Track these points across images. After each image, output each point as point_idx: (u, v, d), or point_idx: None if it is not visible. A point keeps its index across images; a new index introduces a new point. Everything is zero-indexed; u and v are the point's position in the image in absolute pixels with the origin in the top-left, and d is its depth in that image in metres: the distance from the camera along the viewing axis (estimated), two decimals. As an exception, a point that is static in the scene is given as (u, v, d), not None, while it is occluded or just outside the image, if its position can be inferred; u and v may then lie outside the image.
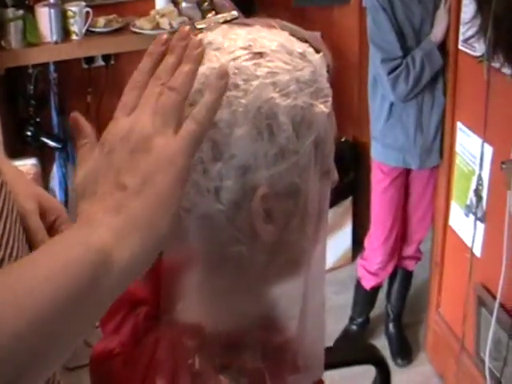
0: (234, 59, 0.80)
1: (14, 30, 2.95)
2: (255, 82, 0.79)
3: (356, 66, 3.64)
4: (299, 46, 0.85)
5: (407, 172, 3.12)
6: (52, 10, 2.98)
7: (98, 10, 3.11)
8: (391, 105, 2.94)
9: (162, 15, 3.20)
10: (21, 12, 2.97)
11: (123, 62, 3.31)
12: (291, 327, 0.89)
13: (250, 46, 0.82)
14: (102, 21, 3.11)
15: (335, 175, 0.93)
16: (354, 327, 3.42)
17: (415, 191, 3.19)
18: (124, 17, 3.22)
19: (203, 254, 0.84)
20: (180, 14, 3.27)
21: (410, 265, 3.36)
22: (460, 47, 2.70)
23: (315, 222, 0.86)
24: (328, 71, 0.88)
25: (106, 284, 0.64)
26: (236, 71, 0.79)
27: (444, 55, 2.82)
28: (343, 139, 3.78)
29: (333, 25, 3.73)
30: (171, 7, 3.29)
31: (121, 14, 3.22)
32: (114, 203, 0.67)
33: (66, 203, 3.28)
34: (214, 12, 0.88)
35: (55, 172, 3.30)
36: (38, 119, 3.15)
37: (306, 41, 0.87)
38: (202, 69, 0.79)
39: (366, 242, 3.31)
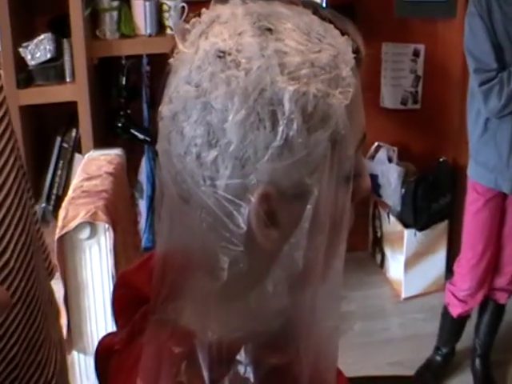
0: (240, 34, 0.71)
1: (108, 21, 3.00)
2: (259, 62, 0.69)
3: (459, 83, 3.47)
4: (320, 26, 0.74)
5: (504, 196, 2.92)
6: (147, 3, 3.01)
7: (195, 6, 3.04)
8: (486, 120, 2.76)
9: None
10: (116, 3, 3.01)
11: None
12: (293, 349, 0.76)
13: (260, 21, 0.72)
14: (197, 17, 3.08)
15: (366, 182, 0.82)
16: (438, 358, 3.23)
17: (510, 219, 2.97)
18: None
19: (198, 251, 0.76)
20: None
21: (501, 297, 3.13)
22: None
23: (330, 233, 0.74)
24: (357, 59, 0.76)
25: None
26: (239, 48, 0.70)
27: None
28: (441, 159, 3.63)
29: (437, 38, 3.61)
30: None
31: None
32: None
33: (152, 197, 3.29)
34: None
35: (144, 165, 3.30)
36: (128, 111, 3.17)
37: (330, 21, 0.76)
38: (205, 45, 0.72)
39: (456, 266, 3.12)
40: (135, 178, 3.28)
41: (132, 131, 3.16)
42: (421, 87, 3.72)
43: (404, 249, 3.59)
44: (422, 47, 3.65)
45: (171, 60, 0.76)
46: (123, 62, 3.10)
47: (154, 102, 3.26)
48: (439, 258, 3.68)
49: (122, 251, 2.39)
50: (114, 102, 3.16)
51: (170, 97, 0.74)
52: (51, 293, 1.35)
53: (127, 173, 2.44)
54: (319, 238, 0.73)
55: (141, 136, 3.17)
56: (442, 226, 3.66)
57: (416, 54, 3.65)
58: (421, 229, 3.57)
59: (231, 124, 0.68)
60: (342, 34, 0.76)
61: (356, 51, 0.76)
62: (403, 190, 3.55)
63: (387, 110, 3.72)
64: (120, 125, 3.14)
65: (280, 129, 0.68)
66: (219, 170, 0.70)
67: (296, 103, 0.69)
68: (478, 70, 2.67)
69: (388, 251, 3.79)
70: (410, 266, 3.62)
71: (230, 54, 0.70)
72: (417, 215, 3.53)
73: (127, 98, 3.15)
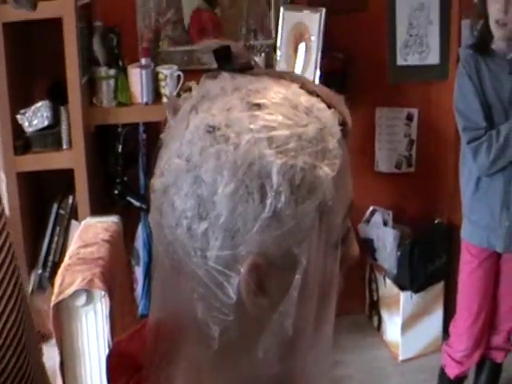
0: (228, 109, 0.74)
1: (105, 89, 3.05)
2: (247, 136, 0.71)
3: (453, 146, 3.51)
4: (307, 100, 0.77)
5: (498, 255, 2.93)
6: (144, 72, 3.06)
7: (191, 74, 3.10)
8: (478, 179, 2.79)
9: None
10: (113, 71, 3.06)
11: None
12: None
13: (249, 96, 0.75)
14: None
15: (355, 250, 0.83)
16: (438, 419, 3.20)
17: (505, 277, 2.98)
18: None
19: (189, 321, 0.77)
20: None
21: (498, 356, 3.13)
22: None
23: (319, 301, 0.75)
24: (344, 131, 0.78)
25: None
26: (228, 123, 0.72)
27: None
28: (436, 221, 3.65)
29: (430, 101, 3.66)
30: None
31: (213, 81, 3.21)
32: None
33: (148, 264, 3.29)
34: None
35: (140, 232, 3.31)
36: (125, 178, 3.20)
37: (317, 95, 0.79)
38: (195, 120, 0.74)
39: (451, 327, 3.12)
40: (131, 244, 3.28)
41: (128, 198, 3.18)
42: (415, 151, 3.75)
43: (400, 311, 3.58)
44: (415, 111, 3.70)
45: (162, 135, 0.79)
46: (119, 129, 3.13)
47: (151, 170, 3.31)
48: (436, 319, 3.66)
49: (118, 318, 2.38)
50: (111, 170, 3.19)
51: (161, 170, 0.76)
52: (43, 370, 1.35)
53: (123, 239, 2.45)
54: (308, 305, 0.74)
55: (137, 203, 3.18)
56: (438, 287, 3.65)
57: (409, 118, 3.70)
58: (417, 291, 3.57)
59: (221, 197, 0.70)
60: (329, 107, 0.78)
61: (343, 123, 0.78)
62: (399, 253, 3.55)
63: (382, 174, 3.76)
64: (117, 192, 3.17)
65: (268, 201, 0.70)
66: (209, 242, 0.71)
67: (284, 176, 0.71)
68: (467, 128, 2.72)
69: (385, 314, 3.78)
70: (406, 328, 3.61)
71: (219, 129, 0.72)
72: (413, 277, 3.53)
73: (124, 165, 3.17)
